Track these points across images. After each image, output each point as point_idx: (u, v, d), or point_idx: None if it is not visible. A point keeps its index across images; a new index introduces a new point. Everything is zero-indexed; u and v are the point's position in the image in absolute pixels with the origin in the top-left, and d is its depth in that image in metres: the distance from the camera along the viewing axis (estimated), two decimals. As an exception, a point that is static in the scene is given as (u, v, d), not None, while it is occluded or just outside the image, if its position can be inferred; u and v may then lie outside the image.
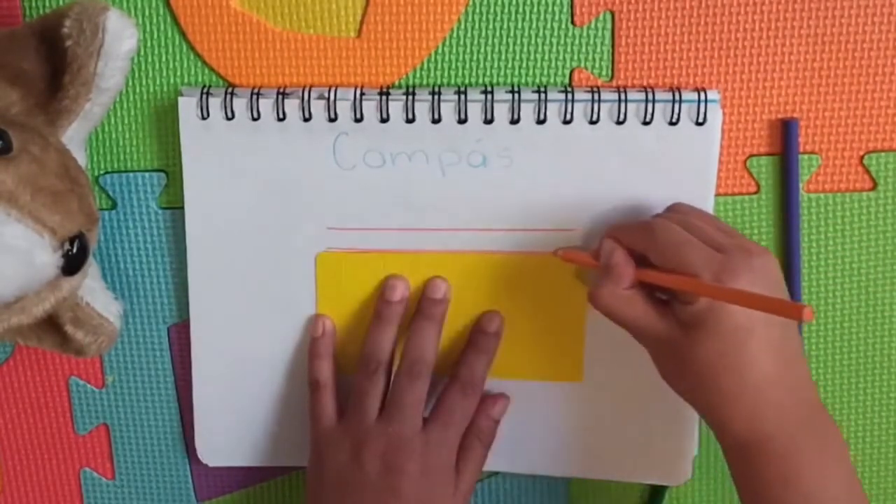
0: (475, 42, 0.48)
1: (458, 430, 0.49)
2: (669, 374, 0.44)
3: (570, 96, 0.47)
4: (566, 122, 0.47)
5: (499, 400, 0.51)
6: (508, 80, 0.49)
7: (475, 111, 0.47)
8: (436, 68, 0.49)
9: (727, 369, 0.41)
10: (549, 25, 0.48)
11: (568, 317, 0.50)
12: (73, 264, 0.43)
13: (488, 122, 0.47)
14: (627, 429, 0.51)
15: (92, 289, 0.48)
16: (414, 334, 0.49)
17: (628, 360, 0.47)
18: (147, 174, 0.50)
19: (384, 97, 0.47)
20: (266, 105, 0.48)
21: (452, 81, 0.49)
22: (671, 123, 0.47)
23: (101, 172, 0.51)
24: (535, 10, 0.48)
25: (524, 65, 0.48)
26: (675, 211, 0.46)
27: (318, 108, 0.48)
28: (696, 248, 0.42)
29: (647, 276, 0.43)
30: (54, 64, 0.45)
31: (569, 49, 0.48)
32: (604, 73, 0.48)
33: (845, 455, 0.42)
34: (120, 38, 0.44)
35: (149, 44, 0.49)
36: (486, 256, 0.50)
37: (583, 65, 0.48)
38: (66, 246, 0.42)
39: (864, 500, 0.42)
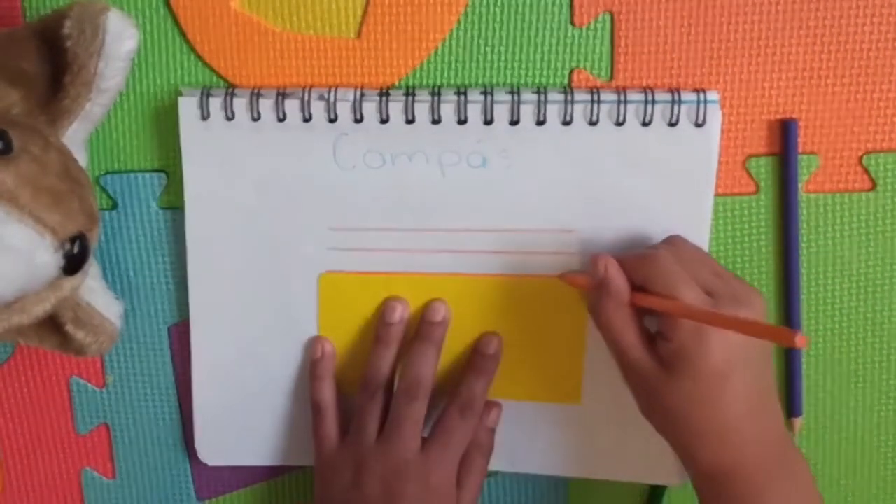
0: (475, 42, 0.48)
1: (457, 450, 0.49)
2: (646, 408, 0.45)
3: (569, 97, 0.47)
4: (566, 124, 0.47)
5: (492, 409, 0.51)
6: (508, 81, 0.49)
7: (475, 112, 0.47)
8: (436, 68, 0.49)
9: (699, 411, 0.42)
10: (548, 26, 0.48)
11: (567, 339, 0.50)
12: (73, 264, 0.43)
13: (488, 122, 0.47)
14: (627, 435, 0.51)
15: (92, 289, 0.48)
16: (412, 356, 0.50)
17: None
18: (147, 174, 0.51)
19: (384, 98, 0.47)
20: (266, 105, 0.48)
21: (452, 82, 0.49)
22: (671, 125, 0.47)
23: (102, 172, 0.51)
24: (535, 10, 0.48)
25: (524, 65, 0.48)
26: (673, 245, 0.47)
27: (318, 108, 0.48)
28: (689, 287, 0.42)
29: (642, 299, 0.44)
30: (55, 64, 0.45)
31: (568, 49, 0.48)
32: (603, 73, 0.48)
33: (811, 486, 0.44)
34: (120, 38, 0.44)
35: (149, 44, 0.49)
36: (486, 279, 0.50)
37: (582, 65, 0.48)
38: (67, 246, 0.42)
39: None
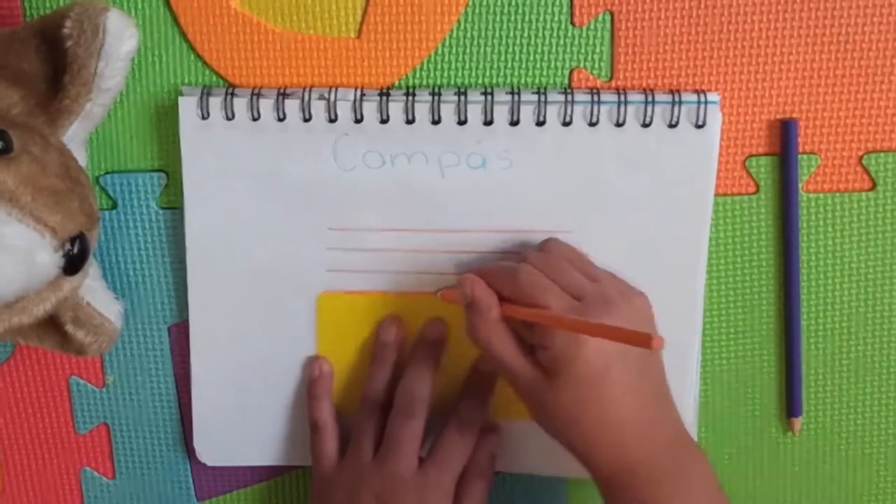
0: (475, 42, 0.48)
1: (454, 469, 0.49)
2: (537, 416, 0.45)
3: (569, 98, 0.47)
4: (566, 124, 0.47)
5: (491, 434, 0.51)
6: (508, 81, 0.49)
7: (475, 112, 0.47)
8: (436, 69, 0.49)
9: (586, 414, 0.43)
10: (548, 26, 0.48)
11: None
12: (73, 264, 0.43)
13: (488, 123, 0.47)
14: None
15: (92, 289, 0.48)
16: (408, 374, 0.50)
17: None
18: (147, 174, 0.51)
19: (384, 98, 0.47)
20: (266, 105, 0.48)
21: (452, 82, 0.49)
22: (671, 126, 0.47)
23: (102, 172, 0.51)
24: (535, 10, 0.48)
25: (524, 65, 0.48)
26: (546, 250, 0.47)
27: (318, 108, 0.48)
28: (554, 295, 0.43)
29: (511, 311, 0.44)
30: (55, 64, 0.45)
31: (568, 49, 0.48)
32: (603, 73, 0.48)
33: (711, 481, 0.44)
34: (120, 38, 0.44)
35: (149, 44, 0.49)
36: None
37: (582, 65, 0.48)
38: (67, 246, 0.42)
39: None
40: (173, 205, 0.51)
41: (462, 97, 0.47)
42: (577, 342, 0.42)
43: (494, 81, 0.49)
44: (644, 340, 0.37)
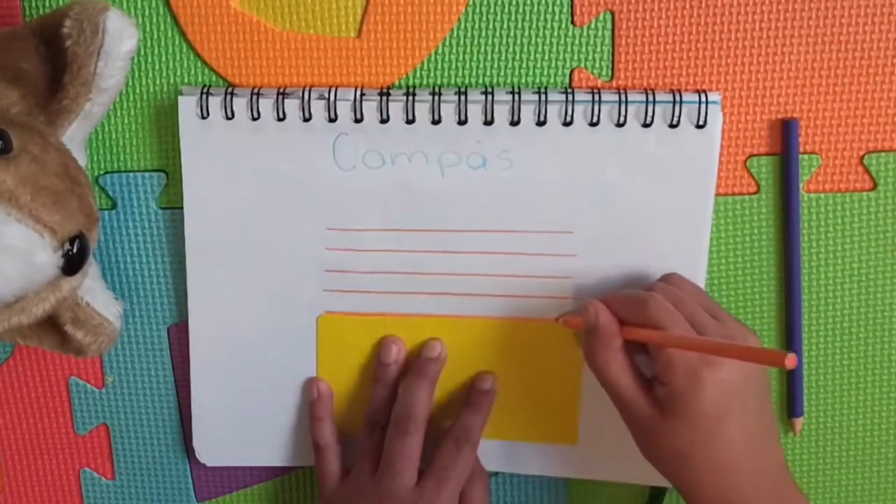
0: (475, 42, 0.48)
1: (454, 485, 0.49)
2: (645, 449, 0.45)
3: (570, 98, 0.47)
4: (566, 124, 0.47)
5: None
6: (508, 81, 0.49)
7: (475, 112, 0.47)
8: (436, 68, 0.49)
9: (697, 453, 0.42)
10: (549, 25, 0.48)
11: (564, 381, 0.50)
12: (73, 264, 0.43)
13: (488, 123, 0.47)
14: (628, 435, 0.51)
15: (92, 289, 0.48)
16: (405, 391, 0.50)
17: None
18: (147, 174, 0.50)
19: (384, 97, 0.47)
20: (266, 105, 0.48)
21: (452, 82, 0.49)
22: (671, 126, 0.47)
23: (101, 172, 0.51)
24: (535, 10, 0.48)
25: (524, 65, 0.48)
26: (670, 282, 0.47)
27: (318, 108, 0.48)
28: (680, 327, 0.43)
29: (633, 334, 0.44)
30: (54, 64, 0.45)
31: (569, 49, 0.48)
32: (604, 73, 0.48)
33: None
34: (120, 38, 0.44)
35: (149, 44, 0.49)
36: (483, 321, 0.50)
37: (583, 65, 0.48)
38: (67, 246, 0.42)
39: None
40: (173, 204, 0.51)
41: (462, 97, 0.47)
42: (697, 381, 0.41)
43: (495, 81, 0.49)
44: (778, 359, 0.36)
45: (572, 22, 0.48)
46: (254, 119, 0.48)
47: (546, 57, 0.48)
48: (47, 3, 0.48)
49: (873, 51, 0.47)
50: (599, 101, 0.47)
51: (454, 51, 0.48)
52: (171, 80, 0.49)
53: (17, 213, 0.40)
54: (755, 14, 0.47)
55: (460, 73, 0.49)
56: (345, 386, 0.52)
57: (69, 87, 0.44)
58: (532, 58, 0.48)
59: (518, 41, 0.48)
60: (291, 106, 0.48)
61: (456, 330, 0.50)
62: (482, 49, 0.48)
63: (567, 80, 0.48)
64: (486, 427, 0.50)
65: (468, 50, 0.48)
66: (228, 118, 0.48)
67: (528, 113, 0.47)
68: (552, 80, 0.48)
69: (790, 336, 0.51)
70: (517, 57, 0.48)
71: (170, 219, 0.51)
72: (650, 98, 0.47)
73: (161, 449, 0.55)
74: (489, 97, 0.47)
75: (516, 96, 0.47)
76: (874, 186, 0.49)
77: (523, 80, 0.48)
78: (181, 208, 0.50)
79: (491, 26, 0.48)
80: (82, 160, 0.47)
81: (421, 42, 0.48)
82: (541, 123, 0.47)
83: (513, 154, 0.48)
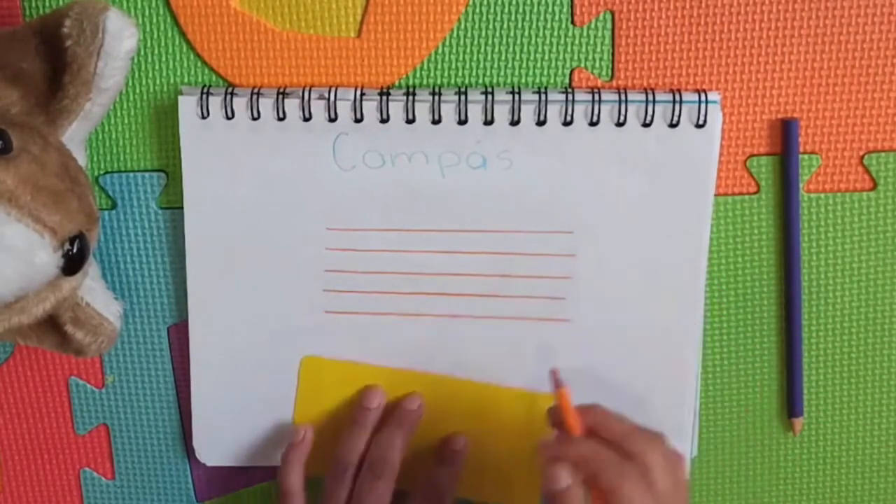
0: (475, 42, 0.48)
1: None
2: None
3: (570, 97, 0.47)
4: (566, 124, 0.47)
5: None
6: (508, 81, 0.49)
7: (475, 112, 0.47)
8: (436, 68, 0.49)
9: None
10: (549, 25, 0.48)
11: (530, 450, 0.50)
12: (73, 264, 0.43)
13: (488, 123, 0.47)
14: None
15: (92, 289, 0.48)
16: (381, 436, 0.50)
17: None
18: (147, 174, 0.50)
19: (384, 97, 0.47)
20: (266, 105, 0.48)
21: (452, 82, 0.49)
22: (671, 125, 0.47)
23: (101, 172, 0.51)
24: (535, 10, 0.48)
25: (524, 65, 0.48)
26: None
27: (318, 108, 0.48)
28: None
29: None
30: (54, 64, 0.45)
31: (569, 49, 0.48)
32: (604, 73, 0.48)
33: None
34: (120, 37, 0.44)
35: (149, 44, 0.49)
36: (462, 382, 0.51)
37: (583, 65, 0.48)
38: (67, 246, 0.42)
39: None
40: (173, 204, 0.51)
41: (462, 97, 0.47)
42: None
43: (495, 81, 0.49)
44: None
45: (572, 22, 0.48)
46: (254, 119, 0.48)
47: (546, 57, 0.48)
48: (47, 3, 0.48)
49: (873, 51, 0.47)
50: (599, 101, 0.47)
51: (454, 51, 0.48)
52: (171, 80, 0.49)
53: (17, 213, 0.40)
54: (755, 14, 0.47)
55: (460, 73, 0.49)
56: (318, 428, 0.52)
57: (69, 87, 0.44)
58: (532, 58, 0.48)
59: (518, 41, 0.48)
60: (291, 106, 0.48)
61: (434, 387, 0.51)
62: (482, 49, 0.48)
63: (567, 80, 0.48)
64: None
65: (468, 50, 0.48)
66: (228, 118, 0.48)
67: (528, 113, 0.47)
68: (552, 80, 0.48)
69: (790, 336, 0.51)
70: (517, 57, 0.48)
71: (170, 219, 0.51)
72: (650, 98, 0.47)
73: (161, 449, 0.55)
74: (489, 97, 0.47)
75: (516, 96, 0.47)
76: (874, 186, 0.49)
77: (523, 80, 0.49)
78: (181, 208, 0.50)
79: (491, 26, 0.48)
80: (82, 160, 0.47)
81: (421, 42, 0.48)
82: (541, 123, 0.47)
83: (513, 154, 0.48)
